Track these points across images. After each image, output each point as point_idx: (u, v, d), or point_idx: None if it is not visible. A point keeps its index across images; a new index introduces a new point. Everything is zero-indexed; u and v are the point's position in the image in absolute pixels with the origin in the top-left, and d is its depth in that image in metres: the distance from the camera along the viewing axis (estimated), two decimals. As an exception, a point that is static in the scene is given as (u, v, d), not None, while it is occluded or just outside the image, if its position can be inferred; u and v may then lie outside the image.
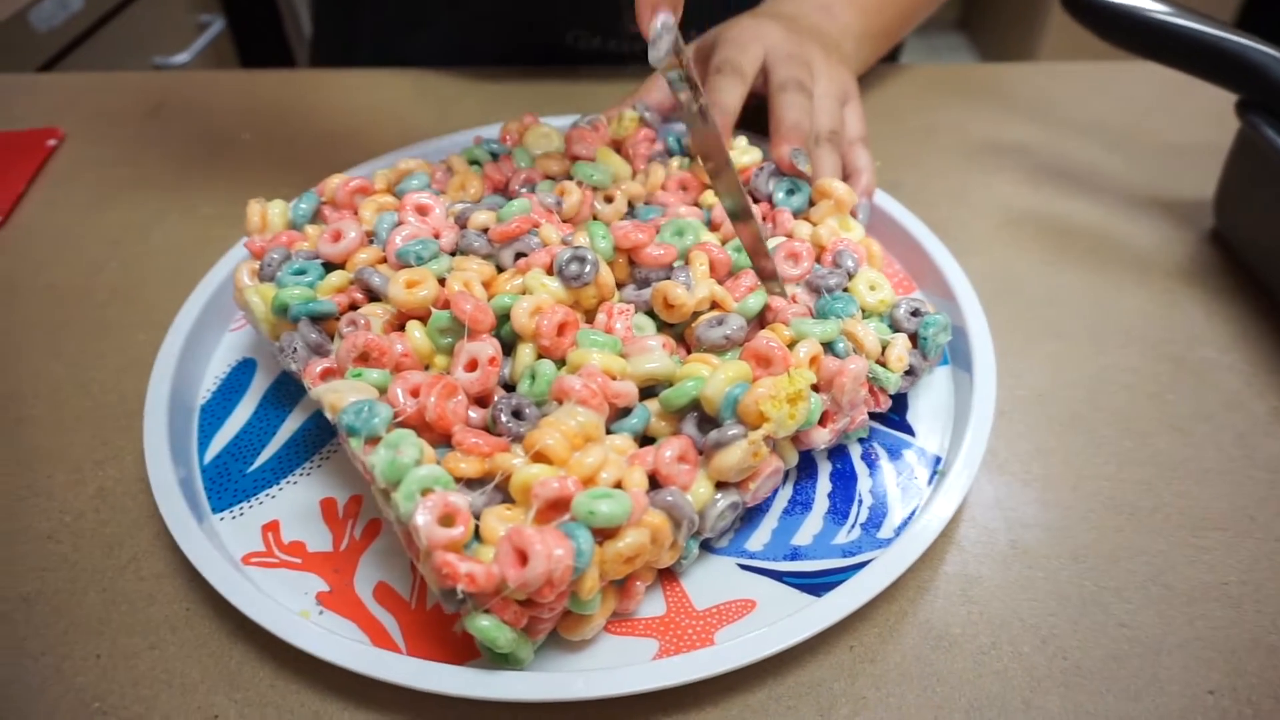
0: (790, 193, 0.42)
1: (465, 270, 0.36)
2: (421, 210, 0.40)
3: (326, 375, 0.34)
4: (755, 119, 0.47)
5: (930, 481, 0.37)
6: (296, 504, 0.37)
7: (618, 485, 0.29)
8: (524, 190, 0.42)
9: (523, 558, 0.26)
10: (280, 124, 0.63)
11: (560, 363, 0.34)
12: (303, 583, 0.34)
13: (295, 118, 0.64)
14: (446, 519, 0.27)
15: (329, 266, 0.38)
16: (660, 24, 0.34)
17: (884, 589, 0.31)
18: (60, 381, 0.44)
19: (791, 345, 0.34)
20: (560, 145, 0.46)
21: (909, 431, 0.39)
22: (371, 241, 0.39)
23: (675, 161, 0.45)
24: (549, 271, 0.36)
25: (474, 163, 0.45)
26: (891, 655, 0.32)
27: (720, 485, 0.31)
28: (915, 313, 0.37)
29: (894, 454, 0.38)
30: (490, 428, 0.32)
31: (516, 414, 0.32)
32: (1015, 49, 2.08)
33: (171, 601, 0.34)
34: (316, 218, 0.42)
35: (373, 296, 0.37)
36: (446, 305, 0.34)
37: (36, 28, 1.00)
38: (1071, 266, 0.49)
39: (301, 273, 0.37)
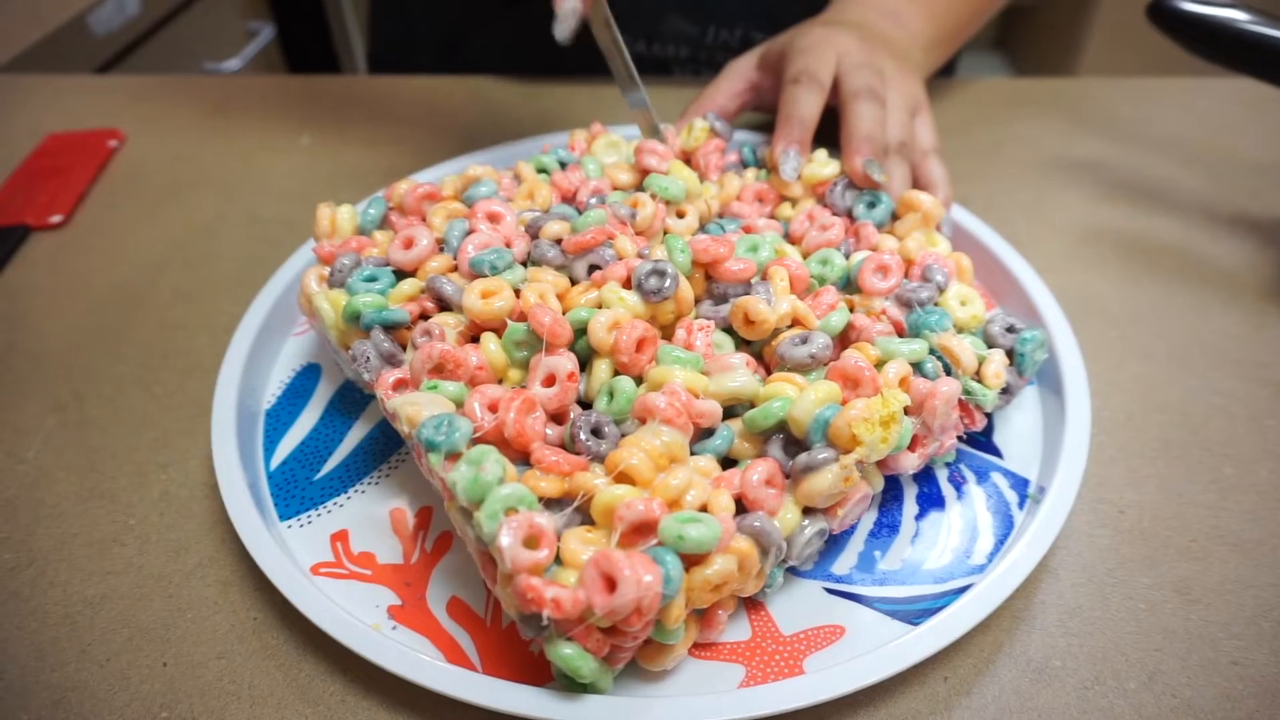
0: (871, 205, 0.40)
1: (540, 282, 0.35)
2: (493, 218, 0.39)
3: (399, 386, 0.33)
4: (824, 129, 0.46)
5: (1021, 506, 0.35)
6: (365, 513, 0.36)
7: (703, 509, 0.28)
8: (594, 201, 0.41)
9: (610, 584, 0.25)
10: (339, 129, 0.63)
11: (638, 380, 0.33)
12: (373, 595, 0.33)
13: (354, 123, 0.64)
14: (531, 541, 0.26)
15: (399, 274, 0.38)
16: (569, 7, 0.41)
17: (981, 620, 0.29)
18: (123, 383, 0.44)
19: (879, 365, 0.33)
20: (629, 155, 0.45)
21: (996, 454, 0.37)
22: (442, 249, 0.38)
23: (750, 173, 0.44)
24: (626, 285, 0.35)
25: (541, 171, 0.44)
26: (988, 688, 0.30)
27: (807, 511, 0.30)
28: (1011, 329, 0.36)
29: (982, 477, 0.36)
30: (567, 445, 0.31)
31: (595, 432, 0.31)
32: (1053, 69, 2.04)
33: (238, 610, 0.34)
34: (384, 223, 0.42)
35: (444, 306, 0.36)
36: (522, 317, 0.34)
37: (94, 31, 1.01)
38: (1154, 285, 0.48)
39: (373, 280, 0.36)
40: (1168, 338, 0.44)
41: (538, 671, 0.30)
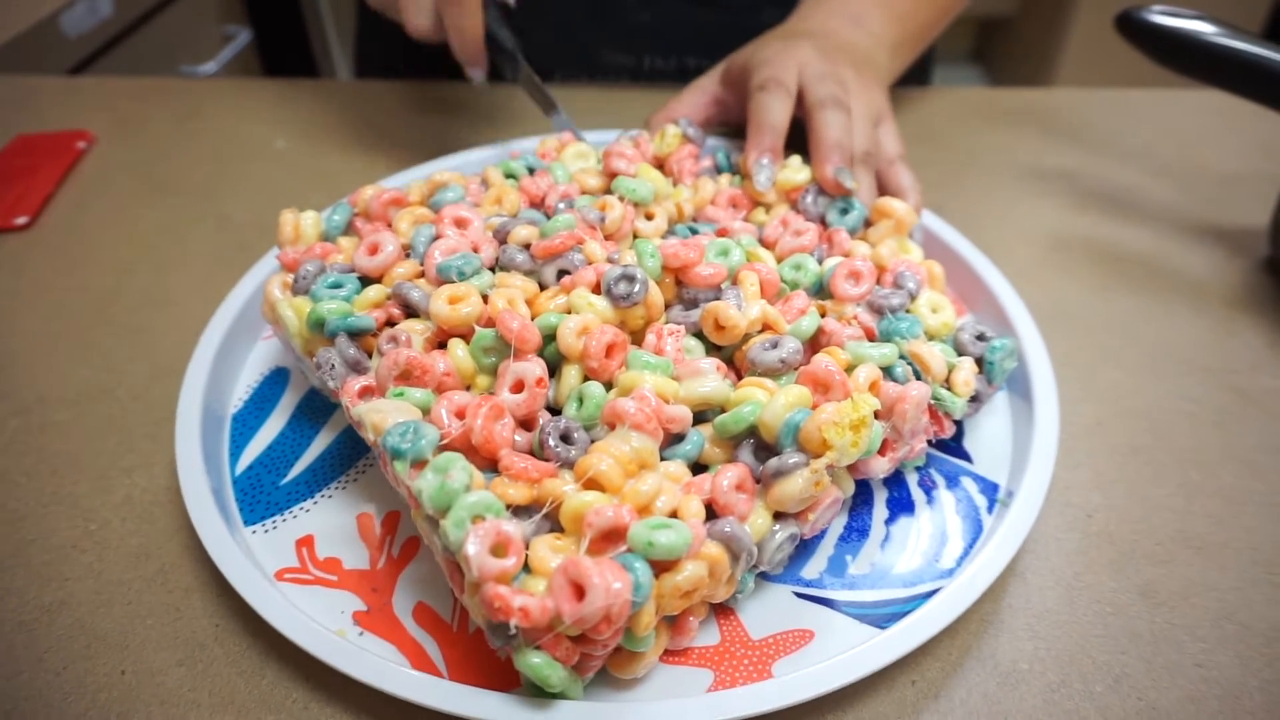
0: (844, 212, 0.41)
1: (508, 287, 0.35)
2: (460, 224, 0.39)
3: (365, 393, 0.33)
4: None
5: (990, 510, 0.35)
6: (331, 519, 0.35)
7: (673, 515, 0.28)
8: (563, 206, 0.40)
9: (579, 591, 0.25)
10: (315, 133, 0.62)
11: (607, 386, 0.33)
12: (339, 601, 0.32)
13: (329, 127, 0.63)
14: (498, 549, 0.26)
15: (365, 280, 0.37)
16: (475, 75, 0.49)
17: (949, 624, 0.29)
18: (87, 386, 0.43)
19: (849, 370, 0.33)
20: (597, 163, 0.45)
21: (966, 458, 0.37)
22: (408, 255, 0.38)
23: (724, 178, 0.44)
24: (595, 290, 0.35)
25: (510, 176, 0.44)
26: (956, 691, 0.30)
27: (778, 516, 0.30)
28: (981, 336, 0.36)
29: (952, 481, 0.36)
30: (536, 452, 0.31)
31: (564, 438, 0.31)
32: (1029, 81, 2.07)
33: (200, 617, 0.33)
34: (349, 229, 0.41)
35: (410, 312, 0.36)
36: (490, 323, 0.33)
37: (66, 32, 1.00)
38: (1124, 293, 0.48)
39: (337, 286, 0.36)
40: (1137, 345, 0.45)
41: (505, 678, 0.30)
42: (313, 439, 0.39)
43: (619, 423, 0.30)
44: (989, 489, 0.36)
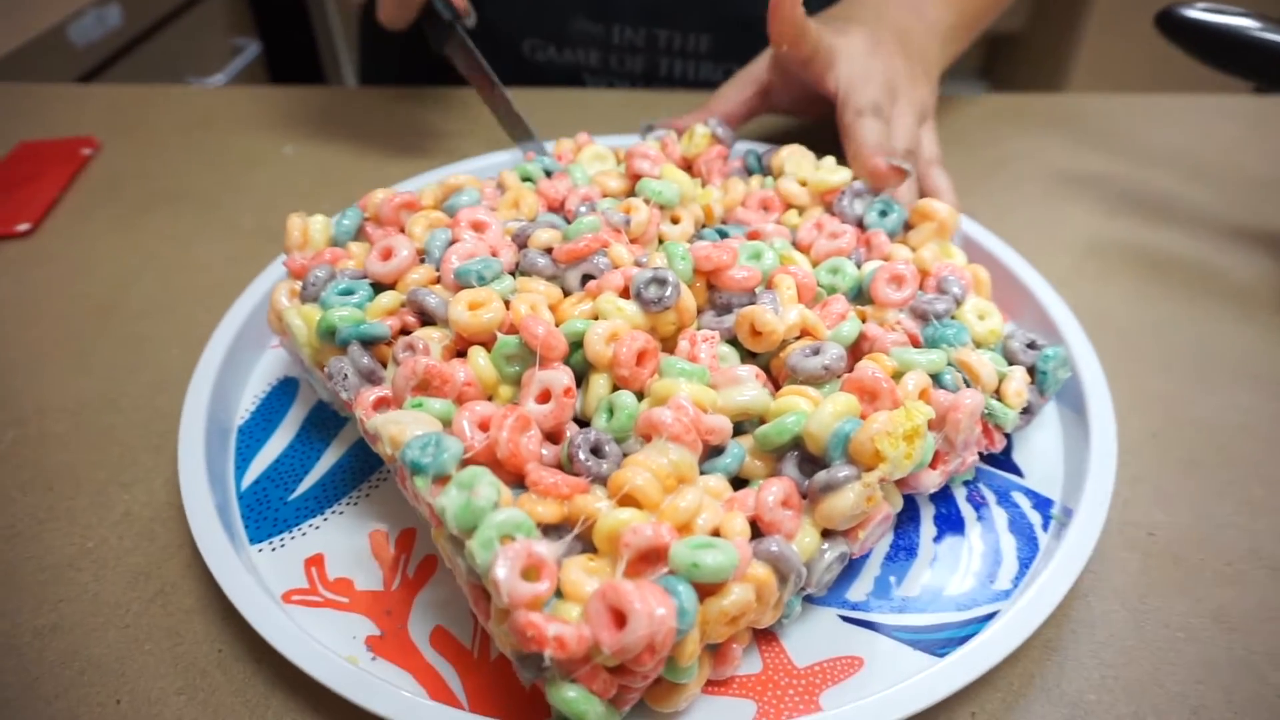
0: (883, 214, 0.39)
1: (531, 292, 0.33)
2: (477, 227, 0.37)
3: (380, 405, 0.31)
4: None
5: (1045, 528, 0.33)
6: (342, 537, 0.33)
7: (715, 533, 0.26)
8: (584, 209, 0.39)
9: (619, 618, 0.23)
10: (323, 138, 0.61)
11: (639, 395, 0.31)
12: (350, 625, 0.30)
13: (339, 133, 0.61)
14: (530, 572, 0.23)
15: (378, 287, 0.35)
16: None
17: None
18: (88, 397, 0.41)
19: (896, 377, 0.31)
20: (616, 165, 0.44)
21: (1017, 472, 0.35)
22: (423, 260, 0.36)
23: (755, 180, 0.43)
24: (623, 295, 0.33)
25: (526, 179, 0.42)
26: None
27: (826, 534, 0.28)
28: (1032, 345, 0.34)
29: (1003, 497, 0.34)
30: (565, 466, 0.29)
31: (595, 451, 0.28)
32: (1039, 96, 2.06)
33: (202, 641, 0.31)
34: (360, 235, 0.39)
35: (426, 320, 0.34)
36: (512, 330, 0.31)
37: (74, 42, 0.99)
38: (1165, 299, 0.46)
39: (349, 293, 0.34)
40: (1183, 352, 0.43)
41: (532, 709, 0.28)
42: (322, 453, 0.37)
43: (655, 434, 0.27)
44: (1043, 505, 0.34)
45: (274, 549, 0.33)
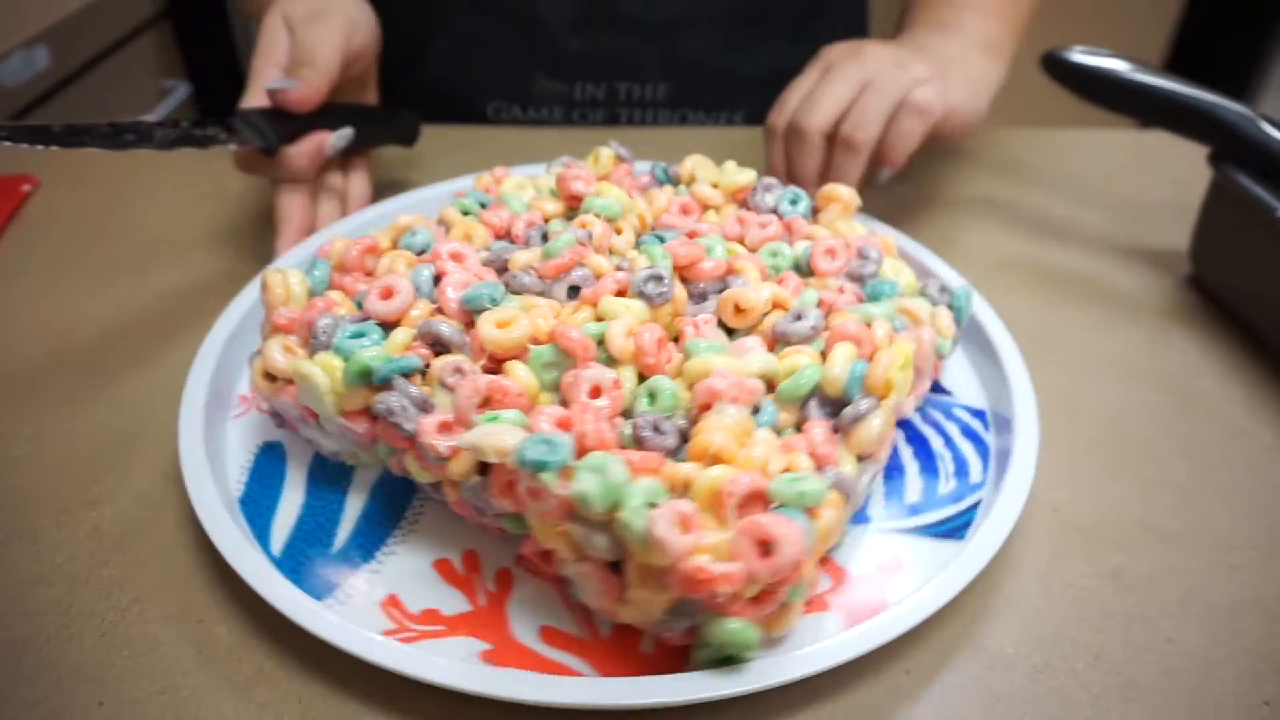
0: (794, 202, 0.45)
1: (536, 307, 0.36)
2: (457, 258, 0.39)
3: (444, 429, 0.32)
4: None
5: (987, 429, 0.41)
6: (406, 573, 0.34)
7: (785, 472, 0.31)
8: (534, 232, 0.42)
9: (763, 548, 0.27)
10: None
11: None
12: (457, 648, 0.31)
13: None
14: (682, 526, 0.27)
15: (383, 326, 0.36)
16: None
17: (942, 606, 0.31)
18: (44, 423, 0.41)
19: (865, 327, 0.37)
20: (534, 191, 0.47)
21: (947, 394, 0.43)
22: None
23: (667, 190, 0.48)
24: (619, 296, 0.37)
25: (466, 213, 0.44)
26: (948, 676, 0.32)
27: (859, 459, 0.34)
28: (943, 289, 0.42)
29: (947, 413, 0.42)
30: (630, 448, 0.32)
31: (655, 429, 0.32)
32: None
33: (183, 644, 0.32)
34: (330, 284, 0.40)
35: (440, 349, 0.35)
36: (537, 343, 0.34)
37: (1, 83, 0.96)
38: (1062, 307, 0.51)
39: (359, 335, 0.35)
40: (1081, 353, 0.48)
41: (657, 666, 0.31)
42: (343, 502, 0.37)
43: (715, 400, 0.32)
44: (978, 414, 0.42)
45: (342, 603, 0.33)
